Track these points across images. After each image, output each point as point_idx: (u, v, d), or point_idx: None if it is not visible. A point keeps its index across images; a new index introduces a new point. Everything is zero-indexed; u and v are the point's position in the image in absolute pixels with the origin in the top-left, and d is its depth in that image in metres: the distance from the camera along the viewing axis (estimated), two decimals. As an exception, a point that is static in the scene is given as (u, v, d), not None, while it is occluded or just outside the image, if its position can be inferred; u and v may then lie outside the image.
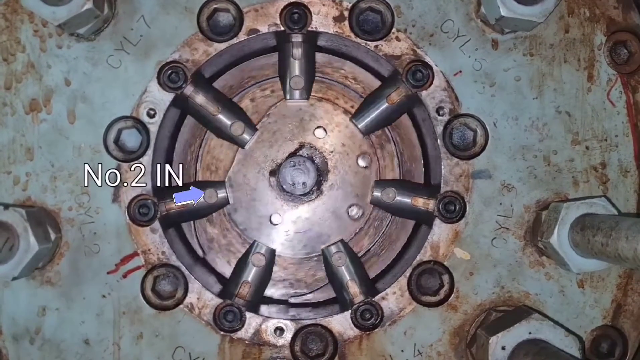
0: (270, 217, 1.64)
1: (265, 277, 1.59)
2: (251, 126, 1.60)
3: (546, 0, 1.37)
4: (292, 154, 1.62)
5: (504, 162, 1.48)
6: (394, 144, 1.68)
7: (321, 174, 1.63)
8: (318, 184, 1.62)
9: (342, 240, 1.62)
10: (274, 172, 1.62)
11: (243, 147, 1.61)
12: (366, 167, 1.64)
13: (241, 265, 1.58)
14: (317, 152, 1.63)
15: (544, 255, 1.47)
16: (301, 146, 1.63)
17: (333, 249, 1.60)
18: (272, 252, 1.61)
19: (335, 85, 1.66)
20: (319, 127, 1.63)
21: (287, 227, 1.64)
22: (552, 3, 1.37)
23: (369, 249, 1.68)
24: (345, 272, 1.56)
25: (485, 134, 1.47)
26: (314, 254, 1.66)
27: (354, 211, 1.64)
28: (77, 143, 1.46)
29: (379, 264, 1.68)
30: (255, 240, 1.61)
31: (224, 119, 1.54)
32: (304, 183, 1.60)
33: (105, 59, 1.46)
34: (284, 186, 1.60)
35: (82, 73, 1.46)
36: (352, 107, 1.65)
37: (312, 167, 1.60)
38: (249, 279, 1.55)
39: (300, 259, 1.66)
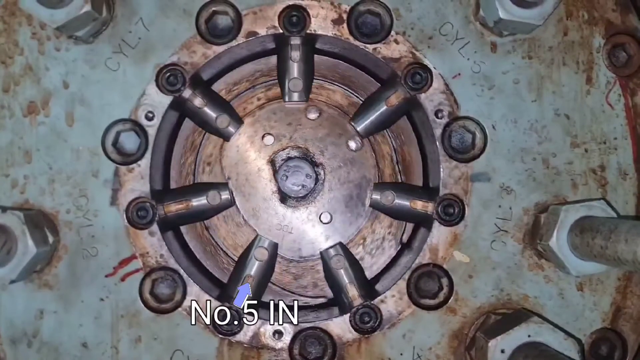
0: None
1: (267, 271, 1.57)
2: (237, 119, 1.60)
3: (545, 3, 1.37)
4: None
5: (503, 164, 1.48)
6: (393, 147, 1.68)
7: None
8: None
9: (340, 243, 1.62)
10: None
11: (228, 140, 1.61)
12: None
13: (244, 260, 1.56)
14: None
15: (543, 258, 1.46)
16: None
17: (332, 251, 1.59)
18: (274, 246, 1.60)
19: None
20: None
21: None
22: (551, 6, 1.37)
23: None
24: (344, 275, 1.56)
25: (484, 137, 1.47)
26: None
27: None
28: (76, 146, 1.46)
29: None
30: (258, 234, 1.60)
31: (209, 112, 1.54)
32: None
33: (103, 61, 1.46)
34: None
35: (80, 76, 1.46)
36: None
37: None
38: (252, 272, 1.53)
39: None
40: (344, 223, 1.65)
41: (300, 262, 1.67)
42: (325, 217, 1.65)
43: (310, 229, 1.65)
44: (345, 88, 1.68)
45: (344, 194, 1.65)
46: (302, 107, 1.65)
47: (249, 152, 1.65)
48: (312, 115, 1.65)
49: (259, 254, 1.56)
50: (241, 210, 1.64)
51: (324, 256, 1.61)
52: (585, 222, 1.31)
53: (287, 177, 1.61)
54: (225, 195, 1.57)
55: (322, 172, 1.64)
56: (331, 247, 1.61)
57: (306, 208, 1.65)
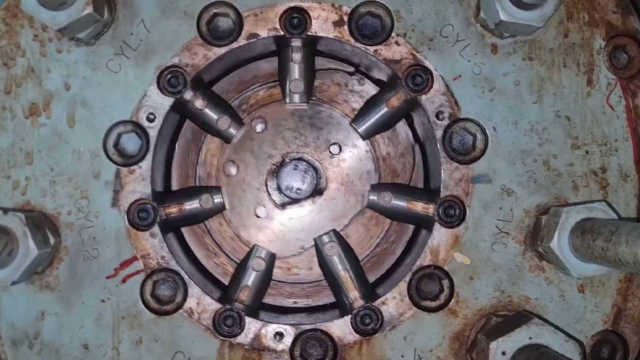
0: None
1: (265, 281, 1.59)
2: (237, 121, 1.60)
3: (545, 5, 1.37)
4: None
5: (503, 166, 1.48)
6: (393, 148, 1.68)
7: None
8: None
9: (334, 230, 1.62)
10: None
11: (229, 142, 1.62)
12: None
13: (241, 270, 1.58)
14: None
15: (544, 259, 1.46)
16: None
17: (325, 238, 1.59)
18: (272, 256, 1.60)
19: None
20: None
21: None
22: (552, 8, 1.37)
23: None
24: (338, 262, 1.56)
25: (485, 139, 1.47)
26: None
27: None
28: (77, 147, 1.46)
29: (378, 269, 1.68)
30: (255, 245, 1.61)
31: (210, 113, 1.54)
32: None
33: (105, 63, 1.46)
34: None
35: (81, 77, 1.46)
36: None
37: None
38: (249, 283, 1.54)
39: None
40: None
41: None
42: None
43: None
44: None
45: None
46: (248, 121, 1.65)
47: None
48: (259, 128, 1.65)
49: (256, 265, 1.56)
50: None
51: (317, 243, 1.61)
52: (586, 224, 1.31)
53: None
54: (218, 199, 1.57)
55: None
56: (325, 234, 1.61)
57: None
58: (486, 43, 1.48)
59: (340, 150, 1.66)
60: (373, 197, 1.58)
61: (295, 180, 1.64)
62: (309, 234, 1.65)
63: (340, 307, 1.58)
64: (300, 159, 1.65)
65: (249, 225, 1.66)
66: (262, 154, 1.65)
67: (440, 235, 1.48)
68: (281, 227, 1.67)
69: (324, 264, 1.59)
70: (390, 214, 1.60)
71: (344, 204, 1.66)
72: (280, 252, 1.66)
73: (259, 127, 1.66)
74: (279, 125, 1.66)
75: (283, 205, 1.65)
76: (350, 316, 1.48)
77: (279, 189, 1.64)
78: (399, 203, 1.54)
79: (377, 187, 1.60)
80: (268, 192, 1.65)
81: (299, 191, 1.63)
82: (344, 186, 1.67)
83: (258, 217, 1.66)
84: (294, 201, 1.65)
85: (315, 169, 1.65)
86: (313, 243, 1.63)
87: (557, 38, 1.48)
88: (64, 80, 1.46)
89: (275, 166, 1.65)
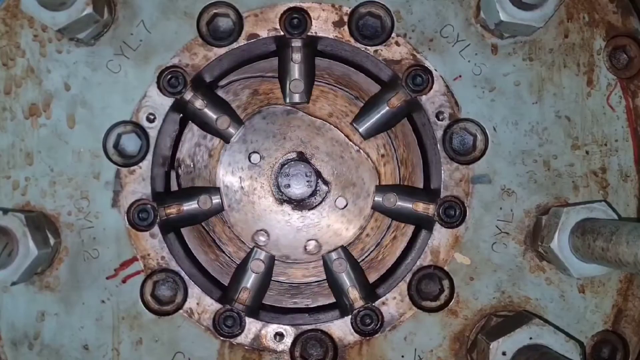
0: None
1: (264, 283, 1.59)
2: (237, 121, 1.60)
3: (545, 5, 1.37)
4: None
5: (504, 166, 1.48)
6: (393, 148, 1.68)
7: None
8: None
9: (342, 247, 1.62)
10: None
11: (228, 142, 1.61)
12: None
13: (240, 272, 1.58)
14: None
15: (544, 260, 1.46)
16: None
17: (334, 255, 1.59)
18: (271, 258, 1.60)
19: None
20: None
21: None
22: (552, 8, 1.37)
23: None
24: (346, 279, 1.56)
25: (485, 139, 1.47)
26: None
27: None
28: (77, 148, 1.46)
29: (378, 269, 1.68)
30: (254, 247, 1.61)
31: (209, 112, 1.54)
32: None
33: (105, 63, 1.46)
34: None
35: (81, 78, 1.46)
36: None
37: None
38: (248, 285, 1.54)
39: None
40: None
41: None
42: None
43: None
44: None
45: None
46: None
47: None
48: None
49: (255, 267, 1.56)
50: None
51: (325, 260, 1.61)
52: (587, 224, 1.31)
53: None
54: (216, 200, 1.57)
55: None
56: (333, 250, 1.61)
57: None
58: (486, 43, 1.48)
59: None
60: (378, 199, 1.58)
61: (296, 181, 1.64)
62: (309, 234, 1.65)
63: (340, 307, 1.58)
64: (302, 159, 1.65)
65: (248, 224, 1.66)
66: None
67: (440, 236, 1.48)
68: (281, 227, 1.67)
69: (331, 280, 1.60)
70: (394, 214, 1.60)
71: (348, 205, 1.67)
72: (280, 253, 1.66)
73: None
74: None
75: (283, 205, 1.65)
76: (350, 316, 1.48)
77: (279, 189, 1.64)
78: (404, 204, 1.54)
79: (381, 189, 1.60)
80: (270, 191, 1.65)
81: (298, 192, 1.63)
82: (346, 187, 1.67)
83: (257, 216, 1.66)
84: (295, 201, 1.65)
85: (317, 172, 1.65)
86: (313, 243, 1.63)
87: (557, 38, 1.48)
88: (64, 80, 1.46)
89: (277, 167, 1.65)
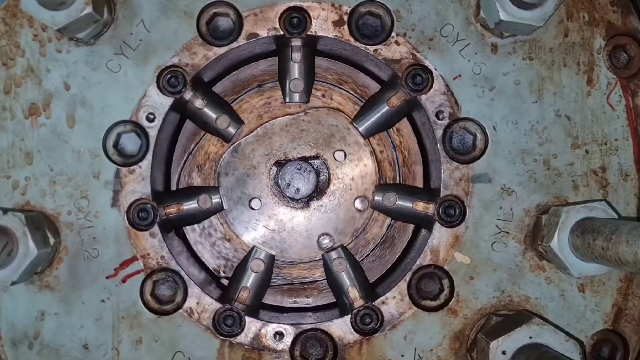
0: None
1: (264, 282, 1.59)
2: (237, 120, 1.60)
3: (545, 5, 1.37)
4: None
5: (503, 166, 1.48)
6: (393, 148, 1.68)
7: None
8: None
9: (342, 246, 1.62)
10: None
11: (228, 142, 1.61)
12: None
13: (240, 271, 1.58)
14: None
15: (544, 259, 1.46)
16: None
17: (333, 254, 1.59)
18: (271, 258, 1.60)
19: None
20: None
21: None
22: (552, 7, 1.37)
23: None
24: (346, 278, 1.56)
25: (485, 138, 1.47)
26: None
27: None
28: (77, 147, 1.46)
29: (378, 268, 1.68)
30: (254, 246, 1.61)
31: (210, 112, 1.54)
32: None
33: (104, 63, 1.46)
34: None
35: (81, 77, 1.46)
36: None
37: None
38: (248, 284, 1.54)
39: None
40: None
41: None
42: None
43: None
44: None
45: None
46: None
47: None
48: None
49: (255, 266, 1.56)
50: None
51: (325, 259, 1.61)
52: (587, 224, 1.31)
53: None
54: (216, 199, 1.57)
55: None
56: (333, 249, 1.61)
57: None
58: (486, 42, 1.48)
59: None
60: (378, 198, 1.58)
61: (297, 180, 1.63)
62: (309, 234, 1.65)
63: (340, 306, 1.58)
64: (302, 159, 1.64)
65: (248, 225, 1.66)
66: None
67: (440, 235, 1.48)
68: (282, 227, 1.66)
69: (331, 279, 1.59)
70: (394, 214, 1.60)
71: (346, 204, 1.66)
72: (280, 253, 1.66)
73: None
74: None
75: (283, 205, 1.65)
76: (350, 316, 1.48)
77: (279, 188, 1.64)
78: (404, 203, 1.54)
79: (381, 188, 1.60)
80: (270, 191, 1.65)
81: (298, 191, 1.63)
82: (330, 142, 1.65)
83: (258, 216, 1.66)
84: (295, 201, 1.65)
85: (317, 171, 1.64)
86: (314, 244, 1.63)
87: (557, 37, 1.48)
88: (64, 80, 1.46)
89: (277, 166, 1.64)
